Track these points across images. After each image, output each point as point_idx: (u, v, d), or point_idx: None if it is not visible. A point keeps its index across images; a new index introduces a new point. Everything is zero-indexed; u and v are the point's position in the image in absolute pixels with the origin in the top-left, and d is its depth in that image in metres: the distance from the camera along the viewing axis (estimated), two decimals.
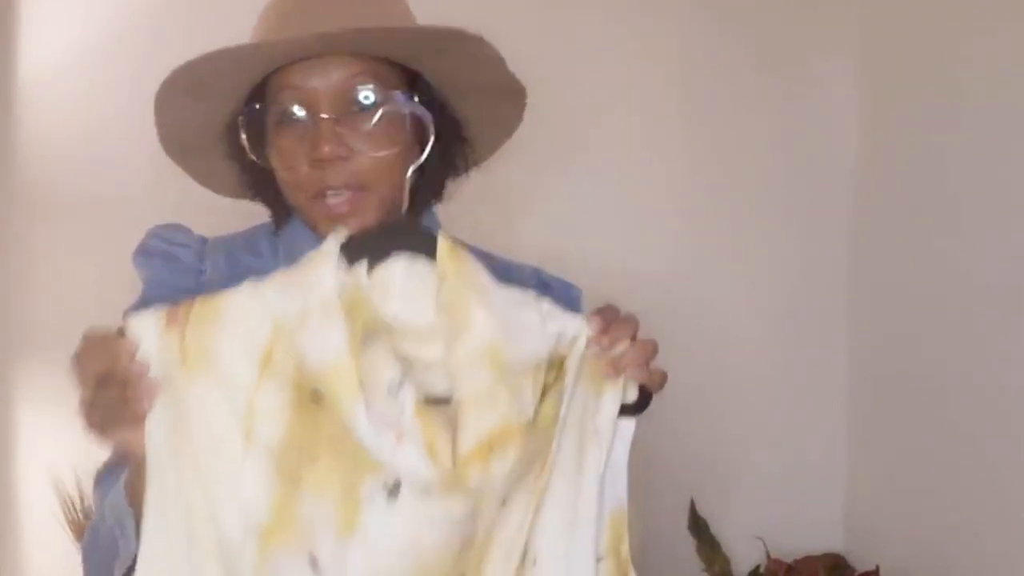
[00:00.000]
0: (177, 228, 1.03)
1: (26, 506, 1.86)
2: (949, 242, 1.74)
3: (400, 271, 0.81)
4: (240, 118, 0.94)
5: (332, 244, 0.80)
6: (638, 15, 1.99)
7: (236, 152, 0.98)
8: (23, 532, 1.86)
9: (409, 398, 0.77)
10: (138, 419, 0.76)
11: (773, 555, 1.89)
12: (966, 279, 1.69)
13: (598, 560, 0.84)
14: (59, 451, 1.82)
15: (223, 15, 1.88)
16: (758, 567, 1.90)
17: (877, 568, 1.83)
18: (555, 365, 0.82)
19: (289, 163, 0.92)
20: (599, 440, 0.82)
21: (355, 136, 0.90)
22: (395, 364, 0.78)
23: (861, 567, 1.88)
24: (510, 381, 0.79)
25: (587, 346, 0.81)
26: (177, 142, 1.00)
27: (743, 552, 1.92)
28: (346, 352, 0.76)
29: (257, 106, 0.94)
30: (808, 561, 1.90)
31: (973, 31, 1.69)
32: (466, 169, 1.05)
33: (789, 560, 1.89)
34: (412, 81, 0.96)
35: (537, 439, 0.80)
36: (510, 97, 1.02)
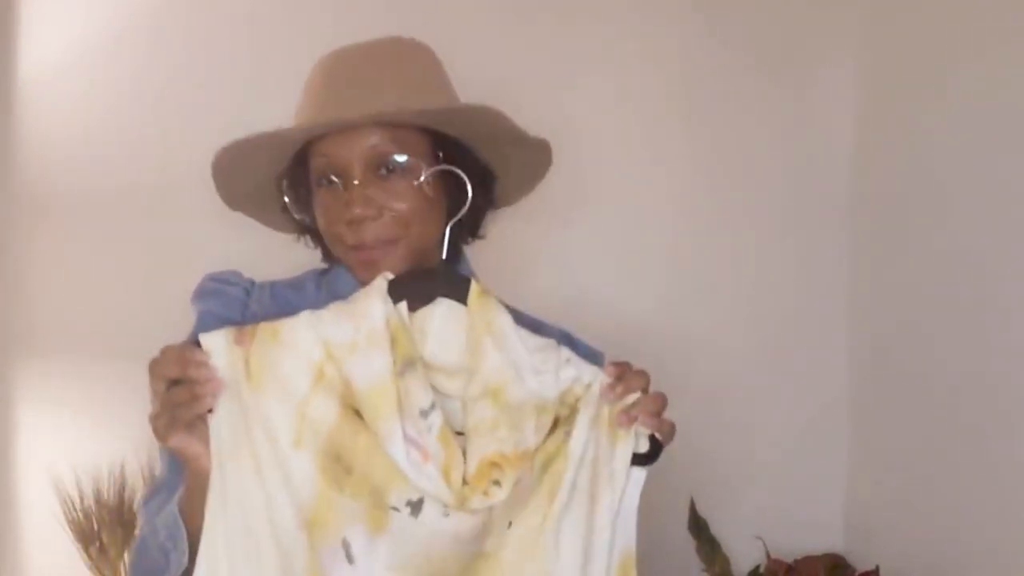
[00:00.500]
0: (229, 272, 1.12)
1: (26, 506, 1.86)
2: (948, 242, 1.74)
3: (438, 314, 0.93)
4: (283, 182, 1.08)
5: (381, 282, 0.92)
6: (637, 16, 1.99)
7: (285, 208, 1.10)
8: (23, 532, 1.86)
9: (436, 423, 0.89)
10: (202, 417, 0.86)
11: (773, 555, 1.89)
12: (966, 279, 1.69)
13: None
14: (59, 451, 1.82)
15: (223, 15, 1.89)
16: (758, 567, 1.90)
17: (877, 568, 1.83)
18: (568, 405, 0.93)
19: (329, 219, 1.04)
20: (613, 483, 0.93)
21: (382, 197, 1.01)
22: (428, 390, 0.90)
23: (861, 567, 1.88)
24: (510, 417, 0.90)
25: (602, 394, 0.92)
26: (234, 198, 1.12)
27: (743, 552, 1.92)
28: (388, 376, 0.88)
29: (295, 170, 1.06)
30: (808, 561, 1.90)
31: (972, 32, 1.69)
32: (499, 204, 1.17)
33: (789, 560, 1.89)
34: (438, 137, 1.05)
35: (543, 470, 0.91)
36: (533, 149, 1.12)
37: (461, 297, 0.93)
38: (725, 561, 1.89)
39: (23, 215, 1.86)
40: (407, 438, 0.87)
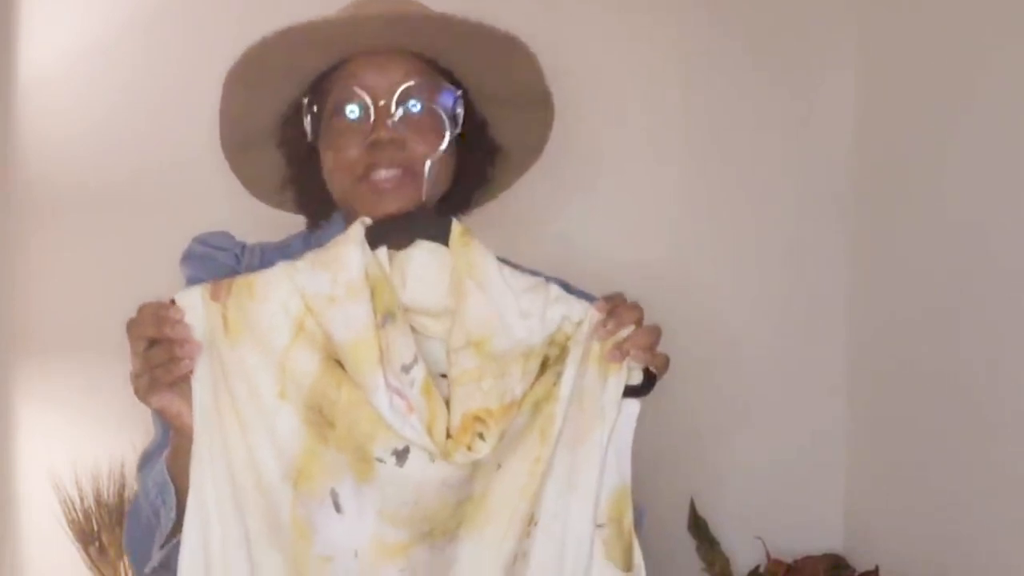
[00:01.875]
0: (218, 233, 1.10)
1: (26, 506, 1.86)
2: (948, 241, 1.74)
3: (418, 257, 0.90)
4: (305, 99, 1.03)
5: (358, 228, 0.89)
6: (638, 17, 1.99)
7: (290, 139, 1.07)
8: (23, 532, 1.86)
9: (419, 376, 0.87)
10: (183, 378, 0.85)
11: (773, 555, 1.89)
12: (966, 278, 1.69)
13: (599, 526, 0.92)
14: (59, 451, 1.82)
15: (222, 15, 1.89)
16: (758, 567, 1.90)
17: (877, 568, 1.83)
18: (559, 343, 0.90)
19: (343, 145, 1.00)
20: (603, 418, 0.90)
21: (408, 127, 0.99)
22: (410, 343, 0.87)
23: (861, 567, 1.88)
24: (495, 367, 0.88)
25: (593, 330, 0.89)
26: (236, 133, 1.08)
27: (743, 552, 1.92)
28: (369, 328, 0.85)
29: (316, 93, 1.02)
30: (808, 561, 1.90)
31: (971, 30, 1.69)
32: (495, 188, 1.16)
33: (789, 560, 1.89)
34: (457, 90, 1.05)
35: (533, 413, 0.89)
36: (539, 110, 1.12)
37: (443, 238, 0.90)
38: (725, 561, 1.89)
39: (23, 215, 1.86)
40: (391, 388, 0.85)
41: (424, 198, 1.01)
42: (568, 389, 0.89)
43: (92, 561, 1.72)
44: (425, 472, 0.86)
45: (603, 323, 0.89)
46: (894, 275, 1.91)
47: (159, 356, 0.84)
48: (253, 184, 1.15)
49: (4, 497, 1.86)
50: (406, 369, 0.87)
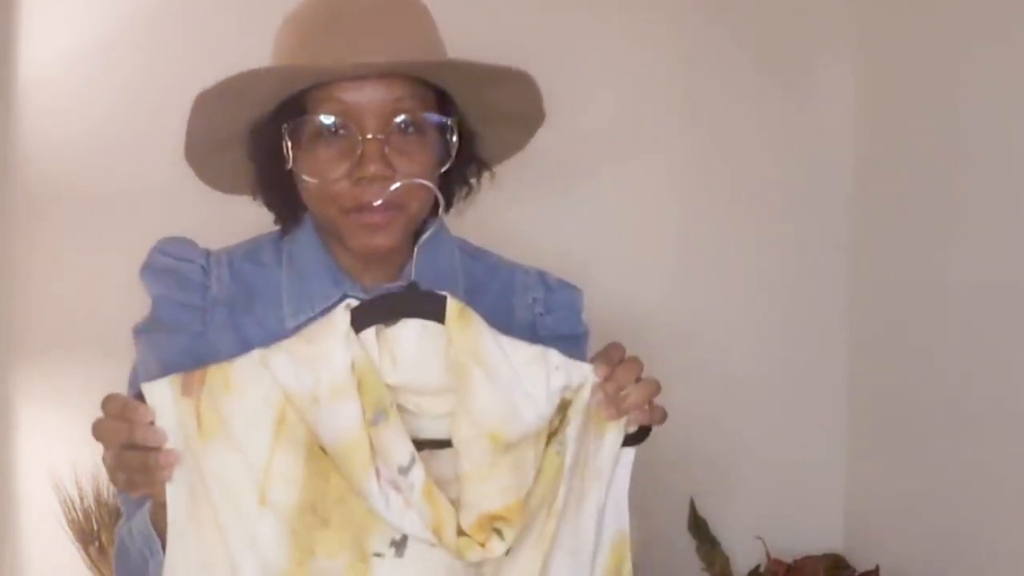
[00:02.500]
0: (182, 242, 1.04)
1: (26, 506, 1.86)
2: (948, 244, 1.74)
3: (408, 337, 0.83)
4: (284, 126, 0.95)
5: (342, 318, 0.82)
6: (637, 16, 1.99)
7: (259, 154, 1.00)
8: (23, 532, 1.86)
9: (419, 479, 0.80)
10: (159, 483, 0.80)
11: (773, 555, 1.89)
12: (965, 281, 1.69)
13: None
14: (59, 451, 1.82)
15: (222, 16, 1.89)
16: (758, 567, 1.90)
17: (877, 568, 1.83)
18: (559, 410, 0.85)
19: (327, 176, 0.94)
20: (600, 478, 0.87)
21: (398, 158, 0.93)
22: (406, 444, 0.81)
23: (861, 567, 1.88)
24: (510, 458, 0.82)
25: (592, 392, 0.85)
26: (202, 144, 1.02)
27: (743, 552, 1.92)
28: (358, 429, 0.79)
29: (292, 111, 0.95)
30: (808, 561, 1.90)
31: (971, 31, 1.69)
32: (479, 186, 1.09)
33: (789, 560, 1.89)
34: (441, 100, 0.98)
35: (540, 490, 0.84)
36: (530, 123, 1.06)
37: (435, 314, 0.83)
38: (725, 561, 1.89)
39: (23, 215, 1.86)
40: (385, 484, 0.79)
41: (409, 228, 0.98)
42: (571, 460, 0.85)
43: (92, 561, 1.72)
44: (426, 562, 0.81)
45: (602, 385, 0.85)
46: (894, 274, 1.91)
47: (134, 462, 0.80)
48: (213, 181, 1.08)
49: (4, 497, 1.86)
50: (403, 472, 0.80)
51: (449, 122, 0.97)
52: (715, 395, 1.99)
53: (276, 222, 1.07)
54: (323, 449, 0.80)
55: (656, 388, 0.88)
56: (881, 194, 1.96)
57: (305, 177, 0.96)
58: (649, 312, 1.97)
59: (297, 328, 0.94)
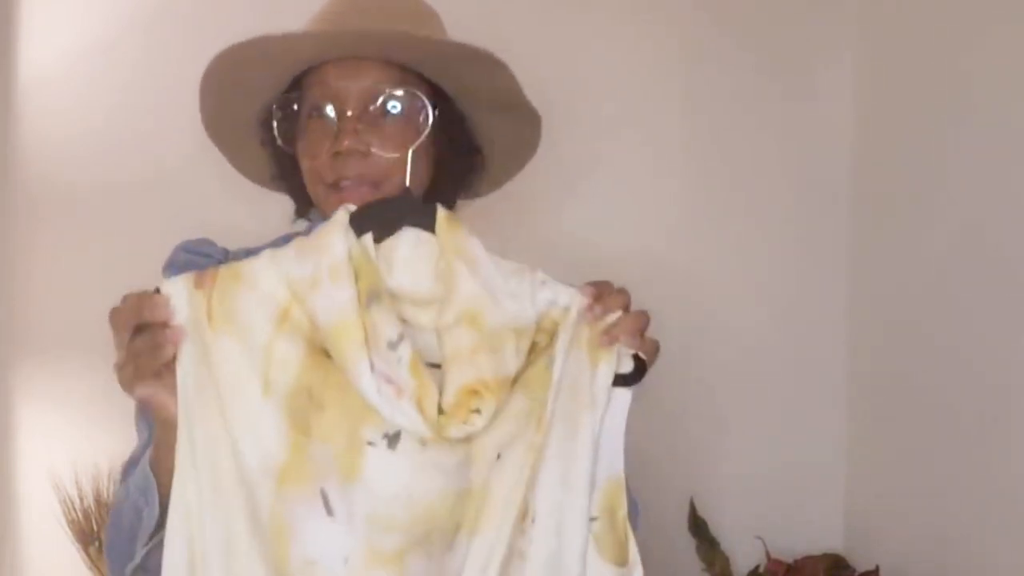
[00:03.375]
0: (201, 241, 1.10)
1: (26, 506, 1.86)
2: (949, 242, 1.74)
3: (404, 244, 0.89)
4: (273, 108, 1.04)
5: (342, 214, 0.88)
6: (637, 15, 1.99)
7: (268, 140, 1.07)
8: (23, 532, 1.86)
9: (406, 354, 0.84)
10: (166, 366, 0.83)
11: (773, 555, 1.89)
12: (966, 279, 1.69)
13: (592, 519, 0.89)
14: (59, 451, 1.82)
15: (222, 15, 1.89)
16: (758, 567, 1.90)
17: (877, 568, 1.83)
18: (547, 331, 0.89)
19: (312, 152, 1.01)
20: (594, 406, 0.89)
21: (373, 135, 0.99)
22: (396, 322, 0.85)
23: (861, 567, 1.88)
24: (489, 341, 0.86)
25: (580, 316, 0.88)
26: (216, 128, 1.09)
27: (743, 552, 1.92)
28: (353, 311, 0.84)
29: (289, 98, 1.03)
30: (808, 561, 1.90)
31: (971, 31, 1.69)
32: (480, 191, 1.15)
33: (789, 560, 1.89)
34: (436, 96, 1.04)
35: (527, 399, 0.87)
36: (526, 122, 1.10)
37: (428, 225, 0.89)
38: (725, 561, 1.89)
39: (23, 215, 1.86)
40: (378, 373, 0.83)
41: (405, 183, 1.00)
42: (559, 374, 0.87)
43: (92, 561, 1.72)
44: (416, 459, 0.84)
45: (590, 308, 0.88)
46: (895, 274, 1.91)
47: (143, 343, 0.83)
48: (243, 167, 1.16)
49: (4, 497, 1.86)
50: (392, 346, 0.84)
51: (420, 97, 1.01)
52: (715, 395, 1.99)
53: (296, 211, 1.14)
54: (325, 351, 0.84)
55: (646, 319, 0.91)
56: (881, 193, 1.96)
57: (300, 157, 1.03)
58: (648, 311, 1.97)
59: None
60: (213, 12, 1.86)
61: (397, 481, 0.84)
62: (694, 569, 1.89)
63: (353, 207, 0.89)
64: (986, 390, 1.63)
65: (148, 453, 0.91)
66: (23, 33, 1.86)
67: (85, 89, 1.86)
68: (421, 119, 1.01)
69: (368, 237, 0.88)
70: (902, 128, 1.90)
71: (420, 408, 0.83)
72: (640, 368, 0.90)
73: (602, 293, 0.89)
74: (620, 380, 0.89)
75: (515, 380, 0.87)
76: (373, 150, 0.98)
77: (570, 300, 0.88)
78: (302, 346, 0.84)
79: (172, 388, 0.84)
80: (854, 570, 1.90)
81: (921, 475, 1.80)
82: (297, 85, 1.03)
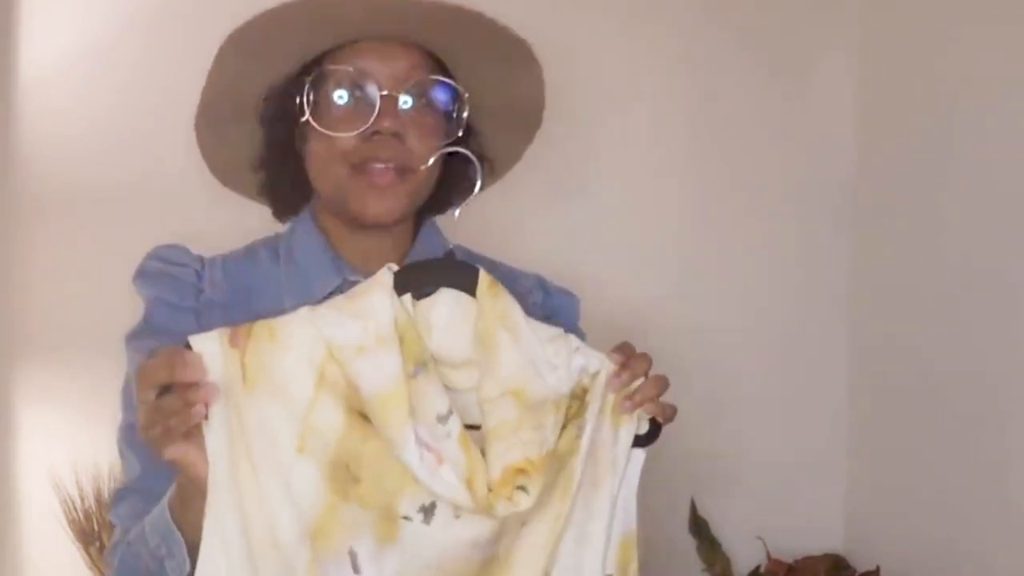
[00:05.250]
0: (175, 248, 1.05)
1: (26, 506, 1.86)
2: (949, 244, 1.74)
3: (444, 306, 0.87)
4: (308, 77, 0.98)
5: (387, 275, 0.86)
6: (638, 15, 1.99)
7: (273, 117, 1.02)
8: (23, 532, 1.86)
9: (455, 428, 0.84)
10: (197, 427, 0.80)
11: (773, 555, 1.89)
12: (966, 281, 1.69)
13: (607, 575, 0.91)
14: (59, 451, 1.82)
15: (222, 15, 1.88)
16: (758, 567, 1.90)
17: (877, 568, 1.83)
18: (577, 397, 0.89)
19: (342, 130, 0.96)
20: (615, 470, 0.90)
21: (410, 121, 0.96)
22: (444, 394, 0.85)
23: (861, 567, 1.88)
24: (533, 417, 0.86)
25: (607, 381, 0.89)
26: (220, 104, 1.03)
27: (743, 552, 1.92)
28: (400, 380, 0.82)
29: (321, 67, 0.98)
30: (808, 561, 1.90)
31: (972, 30, 1.69)
32: (474, 190, 1.10)
33: (789, 560, 1.89)
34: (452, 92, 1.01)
35: (557, 468, 0.87)
36: (530, 125, 1.09)
37: (467, 287, 0.88)
38: (726, 561, 1.89)
39: (23, 215, 1.86)
40: (420, 442, 0.82)
41: (413, 200, 1.00)
42: (588, 443, 0.88)
43: (92, 561, 1.72)
44: (450, 530, 0.84)
45: (617, 374, 0.89)
46: (896, 273, 1.91)
47: (173, 404, 0.79)
48: (221, 163, 1.09)
49: (4, 497, 1.86)
50: (442, 420, 0.83)
51: (459, 92, 0.99)
52: (716, 395, 1.99)
53: (274, 212, 1.09)
54: (362, 414, 0.82)
55: (665, 384, 0.91)
56: (882, 192, 1.96)
57: (310, 138, 0.98)
58: (650, 310, 1.97)
59: None
60: (213, 12, 1.85)
61: (429, 552, 0.84)
62: (694, 569, 1.89)
63: (396, 267, 0.86)
64: (986, 391, 1.63)
65: (168, 500, 0.88)
66: (23, 33, 1.86)
67: (85, 89, 1.86)
68: (456, 116, 0.99)
69: (407, 299, 0.86)
70: (903, 128, 1.90)
71: (470, 486, 0.83)
72: (655, 429, 0.92)
73: (628, 359, 0.90)
74: (637, 441, 0.92)
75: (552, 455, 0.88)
76: (408, 136, 0.96)
77: (599, 365, 0.89)
78: (340, 413, 0.83)
79: (202, 446, 0.81)
80: (854, 570, 1.90)
81: (921, 476, 1.80)
82: (319, 62, 0.99)
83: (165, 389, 0.80)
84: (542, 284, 1.13)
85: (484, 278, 0.88)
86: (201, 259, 1.04)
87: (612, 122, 1.98)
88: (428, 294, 0.87)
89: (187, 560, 0.86)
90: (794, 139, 2.03)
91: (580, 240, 1.95)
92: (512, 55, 1.01)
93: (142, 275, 1.03)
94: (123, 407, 1.01)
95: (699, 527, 1.90)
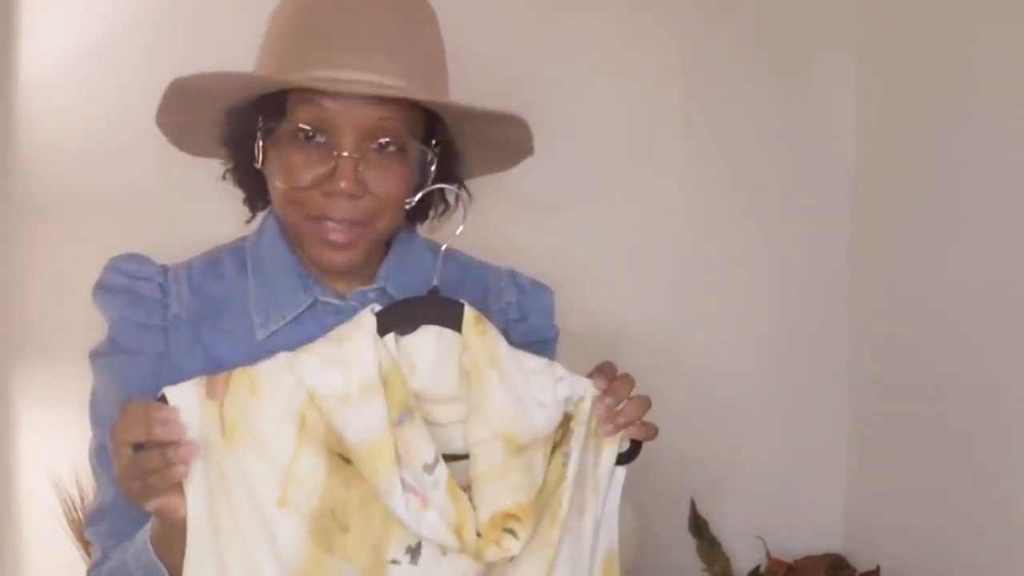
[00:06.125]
0: (135, 259, 1.00)
1: (26, 506, 1.86)
2: (949, 244, 1.74)
3: (427, 343, 0.86)
4: (259, 123, 0.93)
5: (369, 319, 0.84)
6: (638, 14, 1.99)
7: (233, 141, 0.98)
8: (23, 532, 1.86)
9: (443, 477, 0.82)
10: (176, 484, 0.78)
11: (774, 555, 1.89)
12: (966, 281, 1.69)
13: None
14: (59, 451, 1.81)
15: (222, 16, 1.88)
16: (759, 567, 1.90)
17: (877, 568, 1.83)
18: (561, 424, 0.89)
19: (296, 181, 0.91)
20: (598, 490, 0.91)
21: (372, 177, 0.91)
22: (430, 443, 0.83)
23: (861, 567, 1.88)
24: (522, 459, 0.85)
25: (592, 406, 0.89)
26: (175, 118, 1.00)
27: (743, 552, 1.92)
28: (385, 429, 0.81)
29: (268, 109, 0.93)
30: (808, 561, 1.90)
31: (973, 30, 1.69)
32: (456, 205, 1.06)
33: (790, 560, 1.89)
34: (429, 121, 0.97)
35: (545, 498, 0.87)
36: (518, 155, 1.05)
37: (452, 322, 0.86)
38: (726, 561, 1.89)
39: (23, 215, 1.86)
40: (405, 487, 0.81)
41: (376, 243, 0.97)
42: (574, 470, 0.88)
43: None
44: (437, 569, 0.83)
45: (601, 399, 0.89)
46: (896, 275, 1.91)
47: (151, 462, 0.77)
48: (191, 150, 1.05)
49: (4, 497, 1.86)
50: (428, 469, 0.82)
51: (431, 151, 0.95)
52: (716, 395, 1.99)
53: (245, 201, 1.05)
54: (343, 457, 0.81)
55: (647, 404, 0.91)
56: (883, 194, 1.96)
57: (274, 179, 0.93)
58: (650, 311, 1.97)
59: (269, 339, 0.94)
60: (213, 12, 1.86)
61: None
62: (694, 569, 1.89)
63: (379, 307, 0.84)
64: (986, 391, 1.63)
65: (150, 534, 0.86)
66: (23, 33, 1.86)
67: (85, 89, 1.86)
68: (423, 168, 0.95)
69: (390, 338, 0.85)
70: (903, 127, 1.90)
71: (459, 534, 0.82)
72: (636, 448, 0.93)
73: (611, 383, 0.89)
74: (618, 459, 0.92)
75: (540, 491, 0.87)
76: (369, 189, 0.90)
77: (583, 392, 0.89)
78: (322, 458, 0.81)
79: (182, 492, 0.79)
80: (854, 570, 1.90)
81: (921, 476, 1.80)
82: (278, 93, 0.92)
83: (140, 445, 0.77)
84: (515, 280, 1.10)
85: (470, 313, 0.86)
86: (164, 270, 0.99)
87: (611, 122, 1.98)
88: (412, 331, 0.86)
89: None
90: (794, 139, 2.03)
91: (579, 241, 1.95)
92: (496, 120, 0.96)
93: (103, 289, 0.99)
94: (92, 425, 0.99)
95: (699, 527, 1.90)
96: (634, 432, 0.91)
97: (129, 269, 0.98)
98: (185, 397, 0.79)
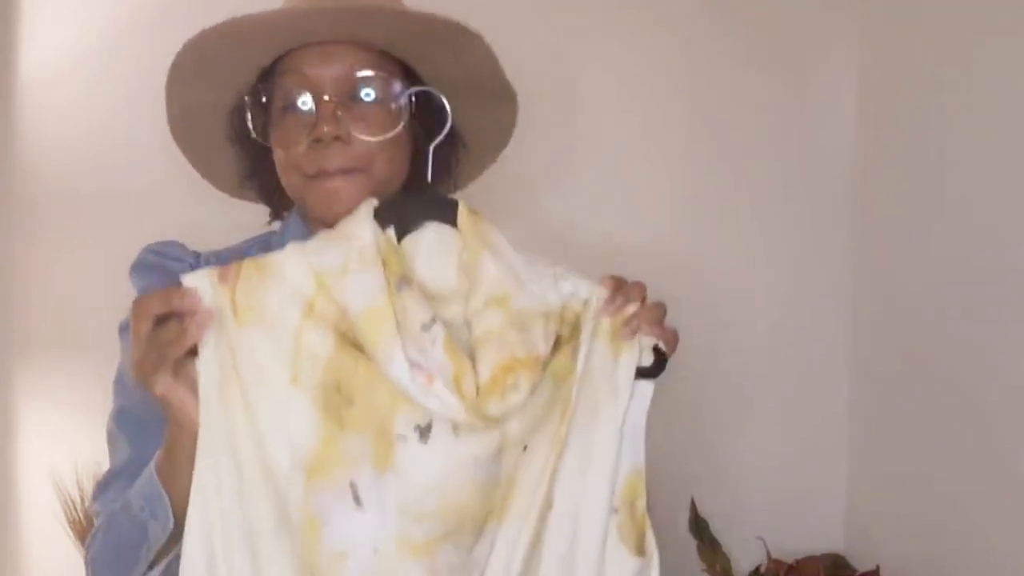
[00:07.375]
0: (170, 243, 1.05)
1: (27, 506, 1.86)
2: (949, 239, 1.74)
3: (428, 238, 0.89)
4: (246, 99, 0.99)
5: (367, 207, 0.88)
6: (638, 13, 1.99)
7: (239, 134, 1.03)
8: (23, 532, 1.86)
9: (440, 335, 0.84)
10: (188, 368, 0.81)
11: (774, 555, 1.89)
12: (966, 276, 1.69)
13: (613, 511, 0.90)
14: (59, 451, 1.82)
15: (223, 16, 1.88)
16: (759, 567, 1.90)
17: (877, 568, 1.83)
18: (569, 323, 0.89)
19: (289, 143, 0.96)
20: (617, 396, 0.89)
21: (353, 120, 0.95)
22: (426, 305, 0.86)
23: (861, 567, 1.88)
24: (518, 322, 0.86)
25: (601, 308, 0.89)
26: (184, 122, 1.05)
27: (744, 552, 1.92)
28: (383, 295, 0.84)
29: (261, 88, 0.99)
30: (809, 561, 1.90)
31: (973, 30, 1.69)
32: (460, 183, 1.10)
33: (790, 560, 1.89)
34: (411, 79, 1.01)
35: (553, 388, 0.88)
36: (502, 103, 1.06)
37: (449, 220, 0.89)
38: (726, 561, 1.88)
39: (23, 215, 1.86)
40: (409, 360, 0.82)
41: (377, 193, 0.98)
42: (583, 364, 0.88)
43: None
44: (450, 449, 0.84)
45: (610, 300, 0.89)
46: (897, 274, 1.91)
47: (169, 333, 0.80)
48: (213, 177, 1.11)
49: (4, 497, 1.86)
50: (426, 328, 0.84)
51: (395, 81, 0.98)
52: (716, 395, 1.99)
53: (270, 212, 1.10)
54: (352, 341, 0.83)
55: (663, 309, 0.91)
56: (882, 190, 1.96)
57: (277, 153, 0.99)
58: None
59: None
60: (213, 12, 1.86)
61: (429, 474, 0.84)
62: (695, 569, 1.89)
63: (376, 201, 0.88)
64: (986, 391, 1.63)
65: (155, 462, 0.87)
66: (23, 33, 1.86)
67: (85, 89, 1.86)
68: (400, 104, 0.98)
69: (391, 231, 0.88)
70: (903, 126, 1.90)
71: (458, 387, 0.83)
72: (661, 360, 0.91)
73: (621, 285, 0.90)
74: (642, 373, 0.90)
75: (546, 363, 0.87)
76: (354, 135, 0.95)
77: (590, 292, 0.89)
78: (331, 337, 0.83)
79: (193, 389, 0.81)
80: (854, 570, 1.90)
81: (921, 475, 1.80)
82: (267, 75, 0.99)
83: (160, 321, 0.81)
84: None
85: (463, 207, 0.90)
86: (197, 255, 1.04)
87: (610, 121, 1.98)
88: (411, 227, 0.89)
89: (171, 519, 0.86)
90: (794, 139, 2.03)
91: (577, 238, 1.95)
92: (451, 38, 0.98)
93: (137, 268, 1.04)
94: (115, 394, 1.01)
95: (699, 527, 1.90)
96: (653, 333, 0.90)
97: (163, 250, 1.04)
98: (200, 282, 0.82)
